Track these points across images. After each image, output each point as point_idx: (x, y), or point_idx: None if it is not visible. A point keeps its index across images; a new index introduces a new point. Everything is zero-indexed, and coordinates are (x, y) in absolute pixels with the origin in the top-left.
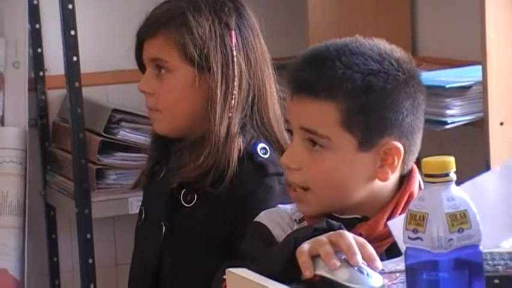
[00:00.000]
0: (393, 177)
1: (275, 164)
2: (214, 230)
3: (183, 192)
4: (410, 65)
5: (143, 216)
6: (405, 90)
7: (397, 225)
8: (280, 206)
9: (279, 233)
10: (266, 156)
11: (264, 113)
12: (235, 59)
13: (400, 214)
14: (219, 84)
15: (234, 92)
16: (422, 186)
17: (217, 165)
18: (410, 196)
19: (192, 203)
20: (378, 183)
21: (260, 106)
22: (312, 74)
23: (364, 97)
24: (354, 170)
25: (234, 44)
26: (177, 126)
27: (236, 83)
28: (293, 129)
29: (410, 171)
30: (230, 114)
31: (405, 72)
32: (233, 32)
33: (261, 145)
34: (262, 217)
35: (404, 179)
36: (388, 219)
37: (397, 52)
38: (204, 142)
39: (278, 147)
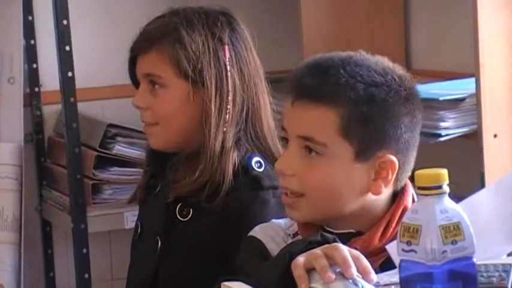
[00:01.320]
0: (386, 192)
1: (270, 177)
2: (210, 243)
3: (178, 206)
4: (411, 83)
5: (139, 230)
6: (405, 106)
7: (395, 249)
8: (274, 220)
9: (274, 248)
10: (261, 169)
11: (257, 126)
12: (229, 74)
13: (394, 228)
14: (213, 98)
15: (229, 106)
16: (416, 200)
17: (213, 180)
18: (404, 210)
19: (188, 217)
20: (370, 197)
21: (254, 120)
22: (316, 80)
23: (365, 107)
24: (348, 180)
25: (227, 59)
26: (172, 140)
27: (230, 98)
28: (290, 137)
29: (404, 186)
30: (225, 129)
31: (406, 88)
32: (226, 47)
33: (255, 159)
34: (257, 231)
35: (398, 194)
36: (382, 233)
37: (400, 69)
38: (199, 156)
39: (273, 160)
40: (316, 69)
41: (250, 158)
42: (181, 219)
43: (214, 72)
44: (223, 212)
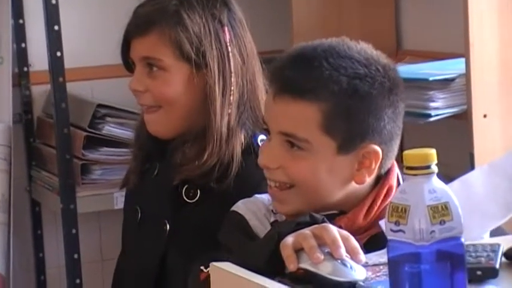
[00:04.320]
0: (370, 179)
1: None
2: (220, 223)
3: (185, 188)
4: (395, 72)
5: (139, 215)
6: (389, 98)
7: None
8: (257, 196)
9: (256, 224)
10: None
11: (256, 106)
12: (230, 55)
13: (379, 207)
14: (216, 80)
15: (232, 87)
16: (401, 180)
17: (221, 162)
18: (389, 190)
19: (196, 199)
20: (354, 185)
21: (253, 100)
22: (298, 73)
23: (348, 100)
24: (332, 172)
25: (228, 40)
26: (174, 126)
27: (233, 79)
28: (271, 131)
29: (389, 166)
30: (230, 111)
31: (390, 79)
32: (226, 28)
33: (261, 137)
34: (240, 207)
35: (382, 175)
36: (367, 212)
37: (383, 58)
38: (204, 137)
39: None
40: (299, 61)
41: (255, 137)
42: (188, 200)
43: (217, 54)
44: (234, 192)
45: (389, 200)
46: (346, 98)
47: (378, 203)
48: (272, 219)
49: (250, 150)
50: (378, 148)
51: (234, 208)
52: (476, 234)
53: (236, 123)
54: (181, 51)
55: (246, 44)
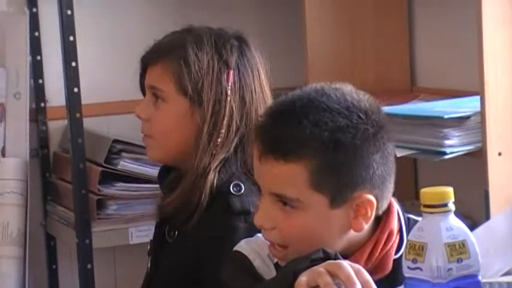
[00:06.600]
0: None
1: (243, 202)
2: (188, 266)
3: (167, 227)
4: (378, 115)
5: (149, 246)
6: (374, 144)
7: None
8: (259, 235)
9: (260, 264)
10: (239, 193)
11: (248, 153)
12: (228, 99)
13: (380, 252)
14: (207, 120)
15: (222, 130)
16: (402, 218)
17: (190, 201)
18: (390, 234)
19: (173, 239)
20: (353, 232)
21: (247, 146)
22: (278, 134)
23: (332, 155)
24: (328, 226)
25: (229, 84)
26: (169, 154)
27: (225, 122)
28: (262, 190)
29: (388, 207)
30: (214, 152)
31: (374, 124)
32: (231, 72)
33: (234, 182)
34: (244, 247)
35: (382, 216)
36: (368, 257)
37: (365, 102)
38: (185, 176)
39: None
40: (279, 120)
41: (231, 182)
42: (169, 240)
43: (214, 94)
44: (197, 236)
45: (390, 244)
46: (330, 153)
47: (379, 249)
48: (276, 260)
49: (218, 194)
50: (370, 196)
51: (237, 248)
52: (496, 269)
53: (216, 165)
54: (180, 85)
55: (253, 91)
